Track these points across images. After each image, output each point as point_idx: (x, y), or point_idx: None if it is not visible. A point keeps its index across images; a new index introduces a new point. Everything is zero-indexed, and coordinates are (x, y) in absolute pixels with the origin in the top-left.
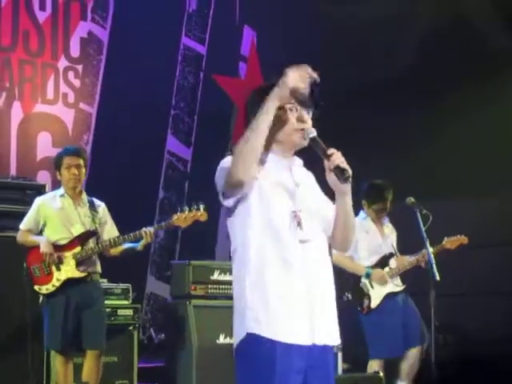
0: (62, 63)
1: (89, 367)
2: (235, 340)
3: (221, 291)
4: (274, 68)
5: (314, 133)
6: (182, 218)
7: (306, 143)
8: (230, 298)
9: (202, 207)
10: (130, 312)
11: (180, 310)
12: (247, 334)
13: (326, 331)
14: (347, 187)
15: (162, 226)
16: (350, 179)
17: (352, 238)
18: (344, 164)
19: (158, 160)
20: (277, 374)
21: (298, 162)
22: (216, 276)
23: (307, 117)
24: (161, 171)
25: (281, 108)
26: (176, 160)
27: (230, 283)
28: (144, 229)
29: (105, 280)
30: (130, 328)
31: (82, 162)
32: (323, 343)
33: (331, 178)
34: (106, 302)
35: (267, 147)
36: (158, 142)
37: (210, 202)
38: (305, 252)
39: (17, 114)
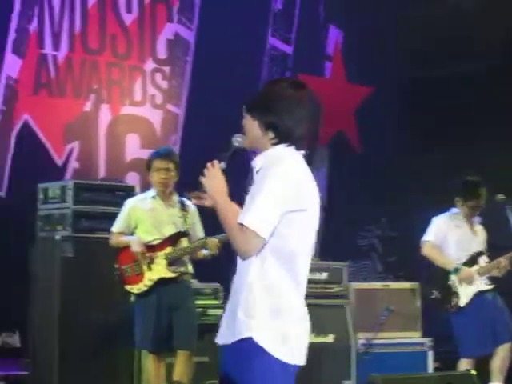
0: (150, 65)
1: (180, 367)
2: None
3: (310, 290)
4: (357, 67)
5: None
6: None
7: None
8: (320, 297)
9: None
10: (220, 312)
11: None
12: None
13: None
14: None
15: None
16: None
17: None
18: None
19: (247, 160)
20: None
21: None
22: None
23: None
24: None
25: None
26: None
27: (319, 282)
28: (209, 238)
29: (195, 280)
30: None
31: (171, 165)
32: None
33: None
34: (197, 301)
35: None
36: None
37: None
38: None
39: (105, 116)
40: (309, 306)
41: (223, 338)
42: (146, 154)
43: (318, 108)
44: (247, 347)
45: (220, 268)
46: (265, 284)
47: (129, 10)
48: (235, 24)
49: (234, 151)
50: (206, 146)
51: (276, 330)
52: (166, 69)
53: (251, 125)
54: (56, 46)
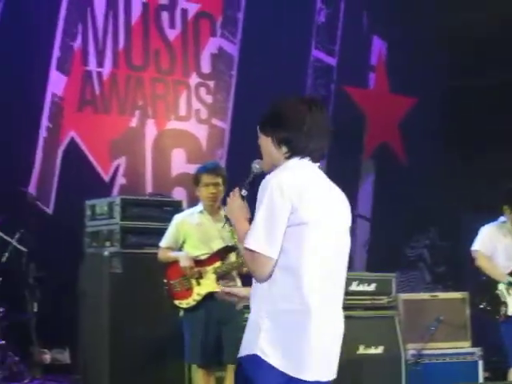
0: (194, 80)
1: (230, 381)
2: None
3: (359, 302)
4: (400, 77)
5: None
6: None
7: None
8: (369, 308)
9: None
10: None
11: None
12: None
13: None
14: None
15: None
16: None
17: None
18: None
19: None
20: None
21: None
22: (354, 287)
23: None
24: None
25: None
26: None
27: (368, 294)
28: None
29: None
30: None
31: (219, 179)
32: None
33: None
34: (245, 316)
35: None
36: None
37: None
38: None
39: (151, 131)
40: (358, 317)
41: None
42: (192, 168)
43: (329, 120)
44: None
45: None
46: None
47: (172, 26)
48: (279, 37)
49: (254, 177)
50: (251, 160)
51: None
52: (211, 83)
53: (265, 142)
54: (100, 62)
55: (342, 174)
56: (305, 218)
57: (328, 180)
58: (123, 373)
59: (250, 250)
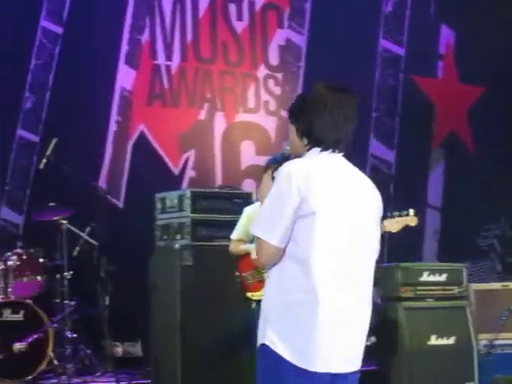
0: (262, 72)
1: None
2: None
3: (430, 292)
4: (469, 67)
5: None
6: (393, 224)
7: None
8: (440, 299)
9: (411, 212)
10: None
11: (390, 312)
12: None
13: None
14: None
15: None
16: None
17: None
18: None
19: (362, 163)
20: None
21: None
22: (425, 277)
23: None
24: (365, 174)
25: None
26: (380, 163)
27: (439, 284)
28: None
29: None
30: None
31: None
32: None
33: None
34: None
35: None
36: (361, 145)
37: (415, 204)
38: None
39: (220, 124)
40: (429, 308)
41: None
42: (261, 160)
43: (354, 109)
44: None
45: None
46: (279, 288)
47: (239, 18)
48: (346, 28)
49: (283, 158)
50: None
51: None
52: (279, 75)
53: (292, 131)
54: (169, 56)
55: (411, 163)
56: (314, 208)
57: (352, 170)
58: (195, 366)
59: (257, 237)
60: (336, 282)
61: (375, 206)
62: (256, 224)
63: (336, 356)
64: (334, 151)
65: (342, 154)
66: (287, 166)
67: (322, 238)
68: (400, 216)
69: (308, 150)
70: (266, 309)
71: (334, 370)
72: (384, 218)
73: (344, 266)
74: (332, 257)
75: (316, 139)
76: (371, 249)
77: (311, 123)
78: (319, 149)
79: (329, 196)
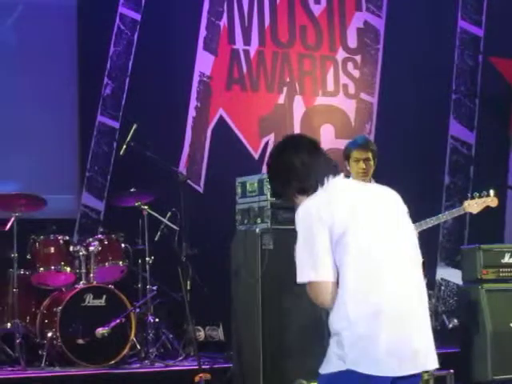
0: (341, 55)
1: None
2: None
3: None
4: None
5: None
6: (473, 205)
7: None
8: None
9: (492, 193)
10: None
11: (472, 294)
12: None
13: None
14: None
15: (454, 213)
16: None
17: None
18: None
19: (442, 145)
20: None
21: None
22: (507, 259)
23: None
24: (445, 156)
25: None
26: (460, 145)
27: None
28: None
29: None
30: None
31: (370, 154)
32: None
33: None
34: None
35: None
36: (441, 127)
37: (496, 184)
38: None
39: (299, 107)
40: (511, 290)
41: None
42: (341, 144)
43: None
44: None
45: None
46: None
47: (317, 1)
48: (424, 9)
49: None
50: (399, 133)
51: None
52: (357, 57)
53: (292, 202)
54: (247, 40)
55: (491, 144)
56: (339, 230)
57: (357, 182)
58: (276, 351)
59: (306, 284)
60: (384, 292)
61: (399, 202)
62: (299, 272)
63: (393, 359)
64: (330, 178)
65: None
66: (301, 210)
67: (360, 252)
68: (480, 197)
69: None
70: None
71: (399, 373)
72: (464, 199)
73: (380, 269)
74: (360, 263)
75: (308, 190)
76: (410, 243)
77: (295, 185)
78: (317, 188)
79: (346, 214)
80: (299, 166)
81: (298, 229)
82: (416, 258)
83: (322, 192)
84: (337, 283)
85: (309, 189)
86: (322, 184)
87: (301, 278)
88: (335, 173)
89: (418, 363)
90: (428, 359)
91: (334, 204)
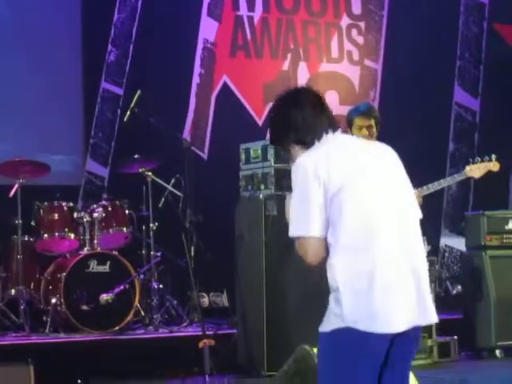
0: (345, 21)
1: None
2: None
3: None
4: None
5: None
6: (475, 169)
7: None
8: None
9: (493, 157)
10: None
11: (476, 261)
12: None
13: None
14: None
15: (456, 177)
16: None
17: None
18: None
19: (446, 112)
20: None
21: None
22: (511, 225)
23: None
24: (449, 123)
25: None
26: (464, 111)
27: None
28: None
29: None
30: None
31: (372, 121)
32: None
33: None
34: None
35: None
36: (445, 93)
37: (500, 151)
38: None
39: (303, 74)
40: None
41: None
42: (345, 110)
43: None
44: None
45: (425, 222)
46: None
47: None
48: None
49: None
50: (404, 100)
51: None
52: (361, 24)
53: (289, 154)
54: (251, 7)
55: (496, 111)
56: (335, 187)
57: (357, 139)
58: (280, 316)
59: (295, 238)
60: (369, 247)
61: (398, 162)
62: (291, 227)
63: (394, 314)
64: (329, 134)
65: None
66: (298, 164)
67: (357, 207)
68: (482, 162)
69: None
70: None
71: (400, 328)
72: (467, 164)
73: (377, 225)
74: (358, 220)
75: (305, 142)
76: (408, 200)
77: (292, 136)
78: (314, 142)
79: (343, 172)
80: (300, 121)
81: (293, 182)
82: (413, 215)
83: (321, 146)
84: (328, 242)
85: (306, 142)
86: (320, 139)
87: (292, 232)
88: (335, 128)
89: (416, 318)
90: (427, 313)
91: (332, 160)
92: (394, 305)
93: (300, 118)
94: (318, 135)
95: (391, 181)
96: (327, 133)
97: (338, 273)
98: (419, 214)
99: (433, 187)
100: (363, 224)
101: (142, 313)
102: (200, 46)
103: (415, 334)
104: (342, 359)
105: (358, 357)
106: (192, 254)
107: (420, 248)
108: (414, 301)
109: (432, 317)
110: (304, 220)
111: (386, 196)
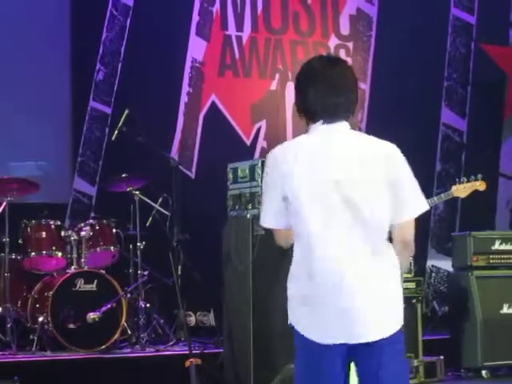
0: (333, 41)
1: None
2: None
3: (503, 261)
4: None
5: None
6: (461, 189)
7: None
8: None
9: (480, 177)
10: (412, 285)
11: (462, 281)
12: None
13: None
14: None
15: (442, 197)
16: None
17: None
18: None
19: (434, 132)
20: None
21: None
22: (497, 246)
23: None
24: (437, 143)
25: None
26: (452, 131)
27: (510, 253)
28: None
29: None
30: (414, 301)
31: None
32: None
33: None
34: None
35: None
36: (433, 114)
37: (487, 171)
38: None
39: (291, 94)
40: (501, 276)
41: None
42: None
43: (343, 77)
44: None
45: None
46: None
47: None
48: None
49: None
50: (391, 121)
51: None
52: (350, 44)
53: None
54: (240, 27)
55: (483, 132)
56: (292, 190)
57: (352, 137)
58: (267, 335)
59: None
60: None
61: (380, 163)
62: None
63: (321, 326)
64: (327, 122)
65: (344, 120)
66: (271, 154)
67: (304, 213)
68: (468, 182)
69: (308, 125)
70: None
71: (327, 341)
72: (453, 183)
73: (326, 231)
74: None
75: (308, 114)
76: (364, 204)
77: (300, 101)
78: (313, 123)
79: (311, 168)
80: (305, 96)
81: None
82: (368, 223)
83: (304, 137)
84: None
85: (311, 115)
86: (308, 123)
87: (260, 220)
88: (331, 119)
89: (350, 333)
90: (366, 329)
91: (299, 159)
92: (323, 316)
93: (312, 94)
94: (311, 118)
95: (355, 188)
96: (318, 121)
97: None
98: (383, 226)
99: None
100: (304, 233)
101: (129, 331)
102: (188, 65)
103: (370, 349)
104: None
105: None
106: (179, 272)
107: (371, 260)
108: (349, 315)
109: (374, 334)
110: (265, 211)
111: (337, 206)
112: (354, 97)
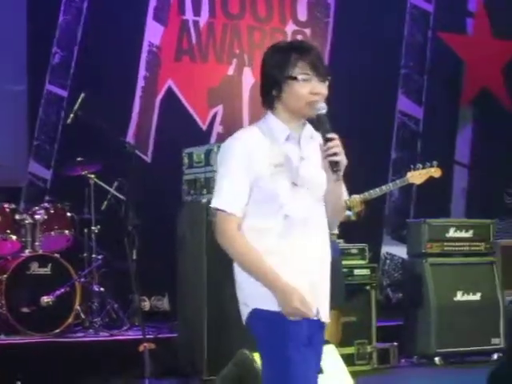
0: (290, 27)
1: (328, 326)
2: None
3: (457, 248)
4: (505, 24)
5: (323, 109)
6: (417, 175)
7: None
8: (467, 255)
9: (435, 163)
10: (366, 272)
11: (416, 268)
12: None
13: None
14: (337, 177)
15: (397, 183)
16: (340, 172)
17: (339, 220)
18: (336, 157)
19: (390, 120)
20: None
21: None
22: (452, 233)
23: (321, 88)
24: (393, 131)
25: (294, 78)
26: (408, 119)
27: (466, 240)
28: (351, 197)
29: (341, 240)
30: (368, 288)
31: None
32: None
33: (324, 162)
34: (343, 262)
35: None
36: (389, 102)
37: (443, 159)
38: None
39: (248, 79)
40: (455, 264)
41: None
42: None
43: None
44: None
45: (365, 228)
46: None
47: None
48: None
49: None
50: (348, 107)
51: None
52: (307, 31)
53: None
54: (197, 11)
55: (439, 120)
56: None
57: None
58: (221, 320)
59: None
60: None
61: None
62: (216, 197)
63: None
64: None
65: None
66: (238, 138)
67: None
68: (424, 168)
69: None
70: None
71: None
72: (408, 170)
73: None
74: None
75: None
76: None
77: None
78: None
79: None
80: (270, 69)
81: (226, 152)
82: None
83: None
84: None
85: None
86: (265, 108)
87: (216, 203)
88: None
89: None
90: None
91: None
92: None
93: (276, 68)
94: (267, 102)
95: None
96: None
97: None
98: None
99: (374, 193)
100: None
101: (83, 316)
102: (145, 49)
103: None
104: None
105: None
106: (134, 257)
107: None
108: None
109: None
110: (230, 194)
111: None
112: None
